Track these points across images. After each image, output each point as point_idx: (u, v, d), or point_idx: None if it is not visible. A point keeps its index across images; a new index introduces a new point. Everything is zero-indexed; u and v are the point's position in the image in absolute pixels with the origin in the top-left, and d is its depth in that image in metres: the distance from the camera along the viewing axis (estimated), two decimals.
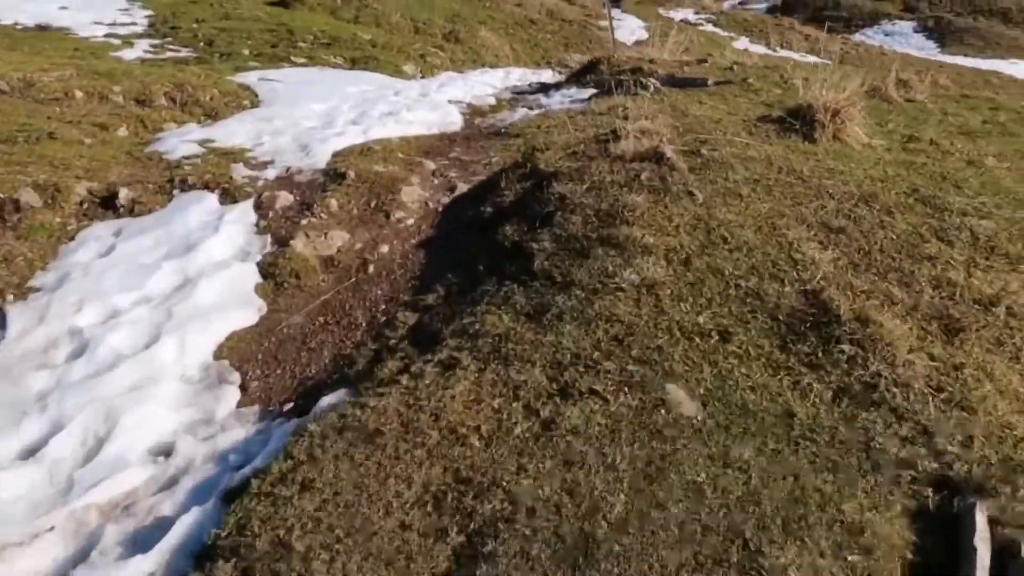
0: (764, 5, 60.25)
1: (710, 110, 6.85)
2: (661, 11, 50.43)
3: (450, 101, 8.21)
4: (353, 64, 10.04)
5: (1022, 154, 6.52)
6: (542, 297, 3.38)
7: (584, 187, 4.26)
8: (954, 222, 4.34)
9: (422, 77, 10.25)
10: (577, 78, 9.41)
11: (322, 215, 4.75)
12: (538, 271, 3.61)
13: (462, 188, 5.17)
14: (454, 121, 7.32)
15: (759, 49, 40.09)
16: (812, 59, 40.21)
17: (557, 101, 8.10)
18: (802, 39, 43.08)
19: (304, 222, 4.66)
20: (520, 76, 12.00)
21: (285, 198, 4.97)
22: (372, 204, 4.93)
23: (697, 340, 3.04)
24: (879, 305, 3.29)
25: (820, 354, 3.00)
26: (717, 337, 3.07)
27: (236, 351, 3.79)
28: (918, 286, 3.55)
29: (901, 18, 50.00)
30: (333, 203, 4.87)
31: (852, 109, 5.80)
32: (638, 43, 33.59)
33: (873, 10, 52.21)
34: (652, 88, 7.36)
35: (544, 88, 9.82)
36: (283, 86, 8.07)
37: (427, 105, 7.65)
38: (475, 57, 14.62)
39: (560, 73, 14.03)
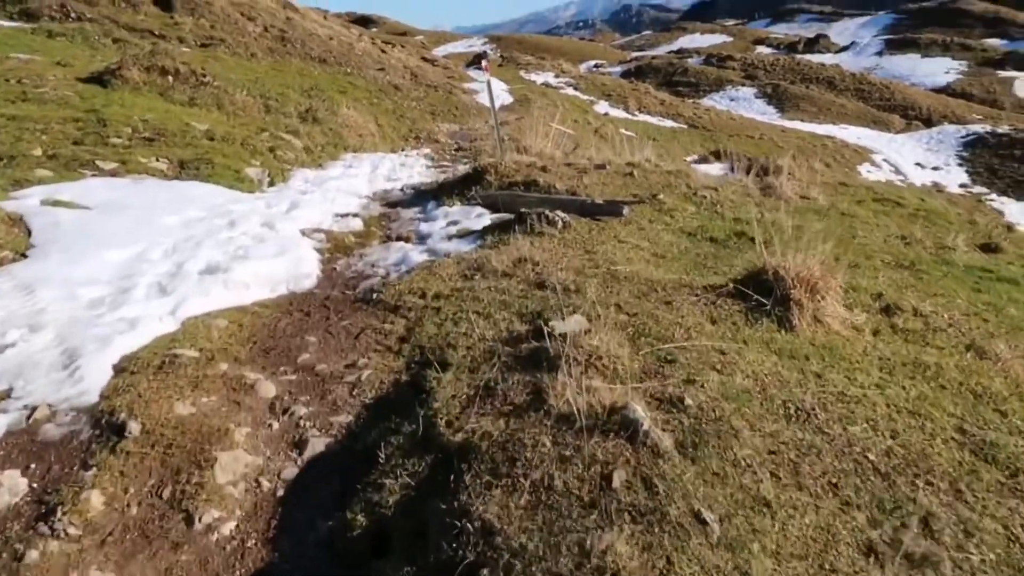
0: (618, 69, 62.04)
1: (636, 256, 5.34)
2: (523, 74, 50.55)
3: (304, 232, 6.27)
4: (181, 169, 7.87)
5: (993, 309, 5.43)
6: None
7: (521, 502, 2.49)
8: None
9: (270, 184, 8.21)
10: (460, 190, 7.73)
11: (71, 528, 2.71)
12: None
13: (316, 445, 3.26)
14: (307, 272, 5.38)
15: (619, 113, 40.65)
16: (669, 123, 41.24)
17: (440, 232, 6.34)
18: (658, 103, 44.17)
19: (34, 554, 2.61)
20: (390, 170, 10.22)
21: (11, 489, 2.89)
22: (165, 494, 2.93)
23: None
24: None
25: None
26: None
27: None
28: None
29: (743, 84, 52.62)
30: (95, 500, 2.83)
31: (831, 280, 4.43)
32: (504, 108, 32.90)
33: (718, 77, 54.71)
34: (560, 223, 5.78)
35: (421, 198, 8.08)
36: (73, 216, 5.86)
37: (272, 245, 5.67)
38: (336, 140, 12.73)
39: (433, 162, 12.42)
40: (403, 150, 15.31)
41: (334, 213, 7.13)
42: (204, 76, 11.86)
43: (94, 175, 7.24)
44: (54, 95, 9.86)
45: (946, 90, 57.05)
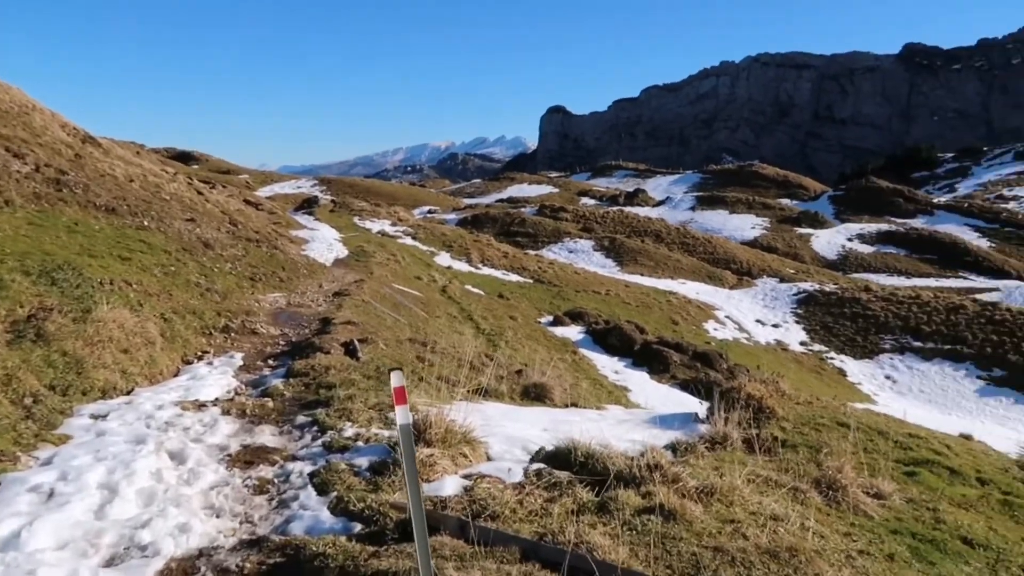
0: (454, 216, 59.87)
1: None
2: (357, 220, 46.40)
3: None
4: None
5: None
6: None
7: None
8: None
9: None
10: None
11: None
12: None
13: None
14: None
15: (463, 266, 37.07)
16: (515, 277, 37.99)
17: None
18: (500, 255, 41.40)
19: None
20: (144, 501, 5.07)
21: None
22: None
23: None
24: None
25: None
26: None
27: None
28: None
29: (581, 237, 51.85)
30: None
31: None
32: (339, 263, 28.00)
33: (555, 228, 53.77)
34: None
35: None
36: None
37: None
38: (70, 379, 7.31)
39: (247, 415, 7.46)
40: (202, 358, 10.06)
41: None
42: None
43: None
44: None
45: (755, 244, 59.80)
